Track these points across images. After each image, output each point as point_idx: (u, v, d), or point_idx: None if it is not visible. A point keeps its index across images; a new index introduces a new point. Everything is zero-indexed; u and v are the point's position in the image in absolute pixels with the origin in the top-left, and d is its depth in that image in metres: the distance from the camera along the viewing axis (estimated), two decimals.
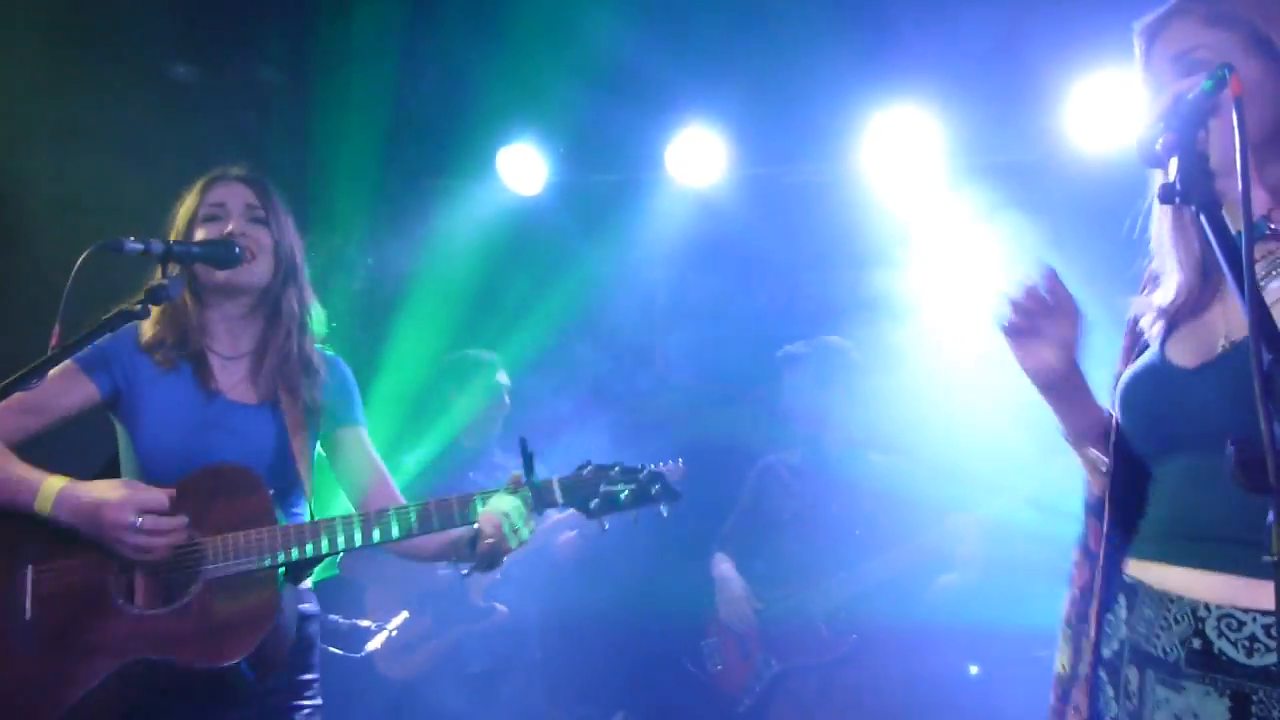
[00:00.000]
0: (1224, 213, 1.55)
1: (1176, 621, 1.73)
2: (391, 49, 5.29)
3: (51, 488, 2.58)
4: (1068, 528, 2.10)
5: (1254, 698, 1.64)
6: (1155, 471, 1.87)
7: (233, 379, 2.83)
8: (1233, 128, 1.48)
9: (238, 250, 2.74)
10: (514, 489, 2.72)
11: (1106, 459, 1.92)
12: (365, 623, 4.69)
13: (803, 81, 5.02)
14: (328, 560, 2.70)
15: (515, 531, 2.65)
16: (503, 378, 5.15)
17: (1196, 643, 1.69)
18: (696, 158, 5.51)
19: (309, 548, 2.61)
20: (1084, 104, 4.77)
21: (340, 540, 2.64)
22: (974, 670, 4.76)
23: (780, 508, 4.79)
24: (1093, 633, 1.87)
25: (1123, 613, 1.84)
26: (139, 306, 2.54)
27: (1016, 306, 1.89)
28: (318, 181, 5.28)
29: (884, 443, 4.66)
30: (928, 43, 4.79)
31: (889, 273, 5.03)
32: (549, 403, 5.49)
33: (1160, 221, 1.93)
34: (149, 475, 2.69)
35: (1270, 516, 1.23)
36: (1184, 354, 1.84)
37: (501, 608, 4.83)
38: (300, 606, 2.78)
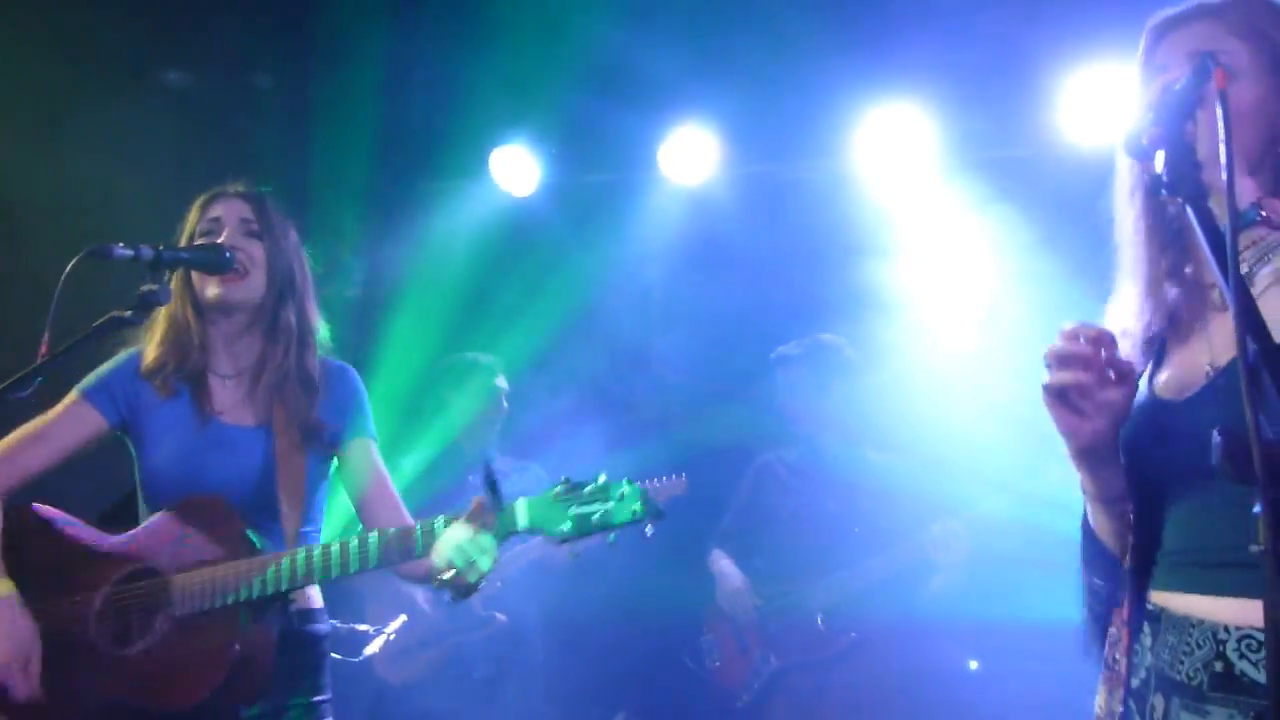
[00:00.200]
0: (1212, 205, 1.55)
1: (1199, 646, 1.71)
2: (383, 52, 5.29)
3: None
4: (1068, 523, 2.07)
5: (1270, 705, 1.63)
6: (1159, 503, 1.84)
7: (231, 400, 2.82)
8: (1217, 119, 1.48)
9: (228, 255, 2.74)
10: (475, 516, 2.50)
11: (1122, 508, 1.88)
12: (363, 627, 4.68)
13: (795, 79, 5.02)
14: None
15: (472, 564, 2.45)
16: (501, 381, 5.15)
17: (1219, 666, 1.67)
18: (690, 156, 5.50)
19: (267, 584, 2.52)
20: (1078, 98, 4.76)
21: (300, 575, 2.52)
22: (974, 665, 4.76)
23: (777, 505, 4.79)
24: (1123, 666, 1.84)
25: (1148, 641, 1.82)
26: (129, 313, 2.54)
27: (1074, 375, 1.72)
28: (311, 186, 5.28)
29: (880, 440, 4.66)
30: (920, 39, 4.78)
31: (884, 270, 5.03)
32: (544, 403, 5.49)
33: (1133, 231, 1.90)
34: (152, 503, 2.74)
35: (1256, 507, 1.22)
36: (1170, 387, 1.83)
37: (501, 616, 4.82)
38: (311, 627, 2.76)
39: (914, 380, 4.68)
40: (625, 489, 2.46)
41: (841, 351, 4.76)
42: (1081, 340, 1.72)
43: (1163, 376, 1.87)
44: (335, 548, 2.53)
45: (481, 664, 4.80)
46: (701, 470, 5.00)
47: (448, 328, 5.59)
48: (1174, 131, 1.60)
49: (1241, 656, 1.66)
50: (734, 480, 5.04)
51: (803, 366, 4.78)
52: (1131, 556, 1.88)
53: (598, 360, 5.87)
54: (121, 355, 2.87)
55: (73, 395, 2.81)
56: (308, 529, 2.79)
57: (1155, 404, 1.83)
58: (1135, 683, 1.83)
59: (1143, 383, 1.88)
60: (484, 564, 2.45)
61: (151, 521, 2.69)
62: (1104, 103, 4.63)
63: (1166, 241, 1.88)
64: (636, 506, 2.45)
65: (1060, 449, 1.86)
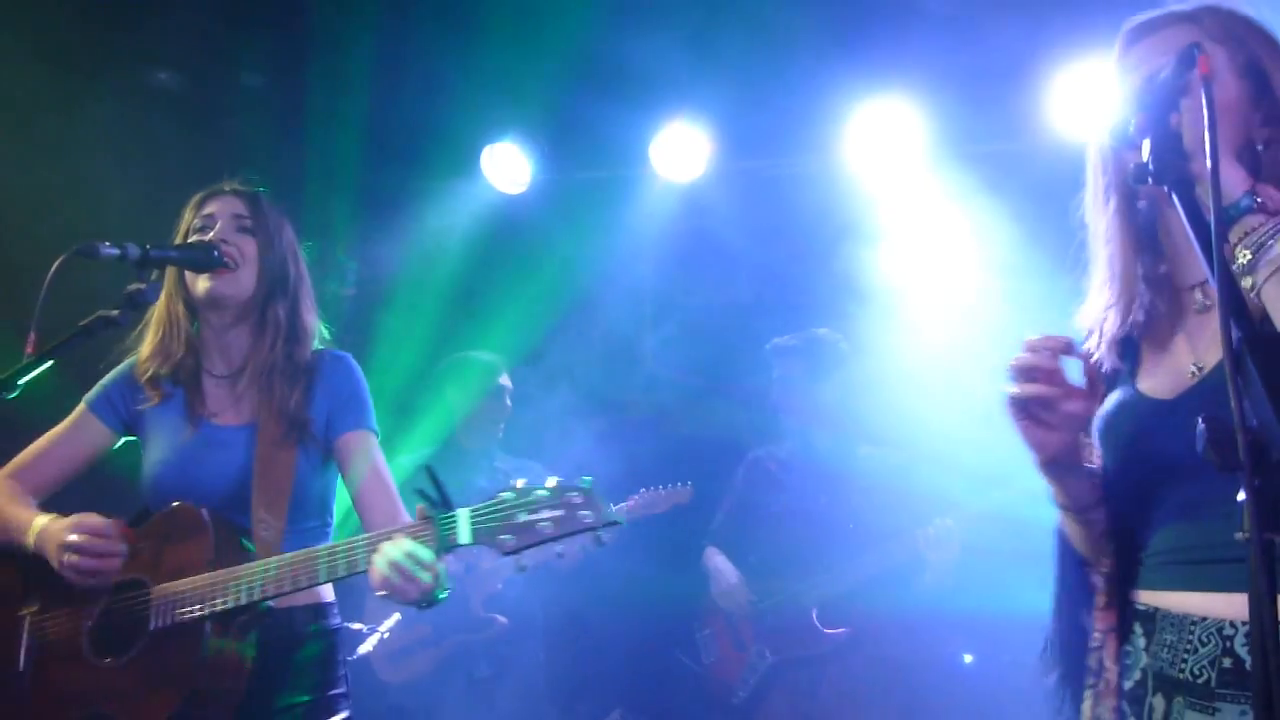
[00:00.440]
0: (1199, 194, 1.55)
1: (1202, 643, 1.70)
2: (374, 50, 5.28)
3: (35, 526, 2.66)
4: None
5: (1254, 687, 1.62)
6: (1148, 503, 1.83)
7: (224, 400, 2.82)
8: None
9: (215, 253, 2.74)
10: (418, 528, 2.40)
11: (1092, 516, 1.87)
12: (357, 625, 4.68)
13: (785, 75, 5.02)
14: None
15: (412, 580, 2.33)
16: (505, 379, 5.15)
17: (1227, 662, 1.66)
18: (681, 153, 5.50)
19: (229, 598, 2.48)
20: (1068, 93, 4.76)
21: (258, 588, 2.47)
22: (968, 659, 4.76)
23: (770, 501, 4.80)
24: (1111, 675, 1.82)
25: (1141, 642, 1.80)
26: (116, 312, 2.54)
27: (1036, 387, 1.74)
28: (303, 184, 5.26)
29: (873, 435, 4.66)
30: (910, 34, 4.78)
31: (875, 264, 5.03)
32: (535, 400, 5.48)
33: (1106, 231, 1.88)
34: (153, 508, 2.74)
35: (1242, 494, 1.22)
36: (1157, 386, 1.83)
37: (501, 619, 4.82)
38: (318, 624, 2.73)
39: (905, 375, 4.68)
40: (577, 494, 2.30)
41: (836, 345, 4.77)
42: (1044, 353, 1.73)
43: (1145, 374, 1.86)
44: (289, 560, 2.48)
45: (482, 664, 4.80)
46: (693, 466, 5.01)
47: (440, 325, 5.59)
48: (1159, 120, 1.60)
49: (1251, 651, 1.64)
50: (726, 476, 5.04)
51: (797, 359, 4.78)
52: (1116, 558, 1.87)
53: (589, 356, 5.87)
54: (124, 363, 2.90)
55: (80, 408, 2.87)
56: (307, 526, 2.76)
57: (1144, 403, 1.82)
58: (1128, 685, 1.81)
59: (1124, 383, 1.88)
60: (425, 577, 2.33)
61: (140, 530, 2.70)
62: (1094, 98, 4.63)
63: (1141, 242, 1.87)
64: (589, 514, 2.29)
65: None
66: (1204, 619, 1.71)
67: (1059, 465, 1.83)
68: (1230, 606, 1.67)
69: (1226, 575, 1.68)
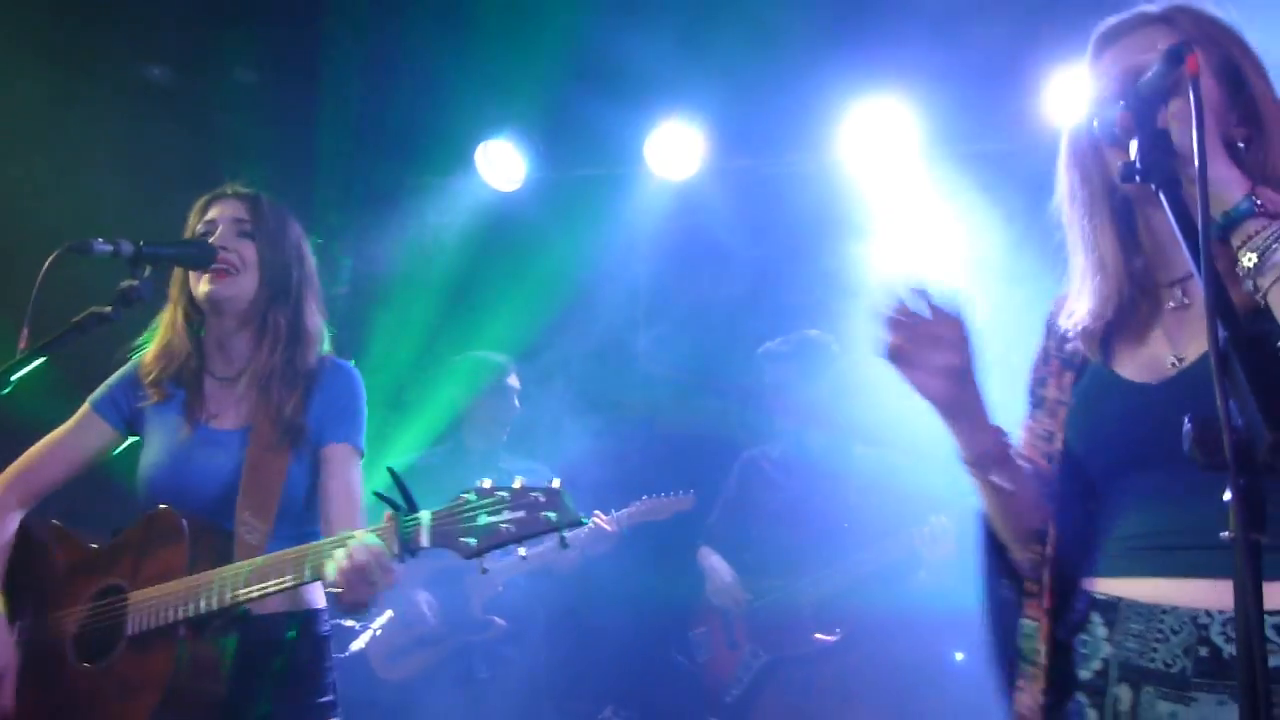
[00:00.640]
0: (1186, 194, 1.55)
1: (1174, 631, 1.68)
2: (367, 47, 5.27)
3: None
4: None
5: (1276, 700, 1.61)
6: (1115, 488, 1.83)
7: (224, 402, 2.82)
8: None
9: (211, 251, 2.74)
10: (381, 529, 2.37)
11: (1009, 485, 1.87)
12: (349, 622, 4.68)
13: (780, 73, 5.02)
14: None
15: (371, 584, 2.31)
16: (513, 380, 5.15)
17: (1204, 651, 1.65)
18: (675, 151, 5.50)
19: (201, 603, 2.46)
20: (1061, 93, 4.76)
21: (229, 592, 2.45)
22: (959, 657, 4.77)
23: (764, 500, 4.80)
24: (1042, 660, 1.81)
25: (1102, 631, 1.78)
26: (109, 309, 2.54)
27: (897, 331, 1.80)
28: (296, 182, 5.26)
29: (867, 434, 4.67)
30: (904, 33, 4.78)
31: (869, 262, 5.03)
32: (529, 397, 5.48)
33: (1087, 223, 1.89)
34: (144, 509, 2.73)
35: (1227, 494, 1.22)
36: (1139, 370, 1.83)
37: (500, 621, 4.83)
38: (305, 630, 2.71)
39: (899, 374, 4.68)
40: (541, 494, 2.26)
41: (828, 346, 4.77)
42: (902, 305, 1.78)
43: (1123, 360, 1.86)
44: (260, 563, 2.46)
45: (481, 665, 4.80)
46: (686, 464, 5.01)
47: (434, 322, 5.59)
48: (1146, 119, 1.60)
49: (1229, 640, 1.63)
50: (719, 475, 5.04)
51: (790, 362, 4.79)
52: (1068, 546, 1.87)
53: (583, 354, 5.87)
54: (129, 363, 2.91)
55: (84, 408, 2.88)
56: (295, 531, 2.72)
57: (1125, 385, 1.82)
58: (1085, 675, 1.79)
59: (1095, 363, 1.88)
60: (382, 583, 2.32)
61: (122, 535, 2.71)
62: (1089, 97, 4.62)
63: (1119, 237, 1.87)
64: (551, 514, 2.24)
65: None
66: (1175, 607, 1.69)
67: (952, 414, 1.85)
68: (1204, 594, 1.67)
69: (1201, 562, 1.68)
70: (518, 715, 4.77)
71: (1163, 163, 1.57)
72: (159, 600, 2.51)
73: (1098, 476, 1.86)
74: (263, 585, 2.42)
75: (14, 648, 2.65)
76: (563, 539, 2.27)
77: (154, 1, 4.94)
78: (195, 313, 2.85)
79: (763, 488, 4.83)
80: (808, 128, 5.32)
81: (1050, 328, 2.02)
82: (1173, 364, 1.79)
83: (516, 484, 2.28)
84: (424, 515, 2.31)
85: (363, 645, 4.69)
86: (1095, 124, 1.78)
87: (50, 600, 2.72)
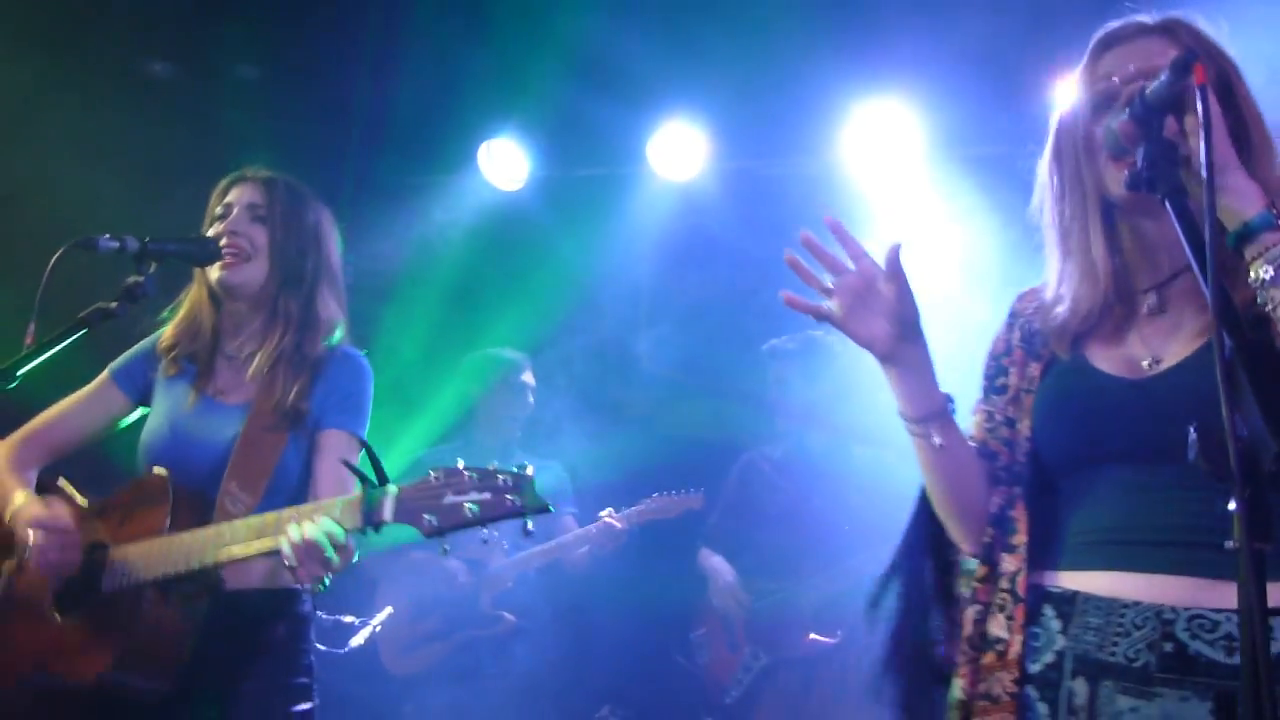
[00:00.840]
0: (1192, 204, 1.55)
1: (1136, 626, 1.68)
2: (371, 44, 5.28)
3: (15, 502, 2.71)
4: None
5: (1241, 697, 1.62)
6: (1081, 479, 1.83)
7: (232, 380, 2.84)
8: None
9: (215, 247, 2.77)
10: (347, 500, 2.38)
11: (941, 439, 1.87)
12: (349, 618, 4.69)
13: (783, 75, 5.02)
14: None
15: (324, 562, 2.32)
16: (528, 377, 5.16)
17: (1169, 646, 1.65)
18: (678, 152, 5.51)
19: (171, 567, 2.48)
20: (1067, 97, 4.76)
21: (195, 557, 2.46)
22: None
23: (765, 502, 4.81)
24: (1014, 651, 1.79)
25: (1055, 624, 1.78)
26: (114, 305, 2.57)
27: (833, 291, 1.85)
28: (297, 178, 5.24)
29: (868, 436, 4.67)
30: (907, 35, 4.79)
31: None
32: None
33: (1075, 224, 1.89)
34: (140, 472, 2.77)
35: (1232, 503, 1.23)
36: (1114, 366, 1.83)
37: (509, 617, 4.84)
38: (282, 608, 2.71)
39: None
40: (508, 477, 2.25)
41: (832, 347, 4.78)
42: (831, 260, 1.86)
43: (1099, 355, 1.86)
44: (225, 530, 2.47)
45: (488, 661, 4.81)
46: (687, 465, 5.00)
47: (436, 320, 5.59)
48: (1153, 128, 1.60)
49: (1194, 637, 1.64)
50: (720, 476, 5.05)
51: (794, 361, 4.80)
52: (1031, 532, 1.86)
53: (584, 354, 5.88)
54: (151, 336, 2.95)
55: (103, 375, 2.92)
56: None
57: (1102, 378, 1.83)
58: (1036, 668, 1.78)
59: (1067, 355, 1.89)
60: (334, 561, 2.32)
61: (114, 495, 2.75)
62: (1084, 99, 4.62)
63: (1103, 236, 1.86)
64: (515, 497, 2.23)
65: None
66: (1138, 602, 1.69)
67: (895, 364, 1.87)
68: (1169, 590, 1.67)
69: (1169, 558, 1.68)
70: (519, 712, 4.78)
71: (1169, 173, 1.57)
72: (132, 560, 2.54)
73: (1061, 466, 1.86)
74: (229, 551, 2.44)
75: None
76: (526, 526, 2.26)
77: None
78: (214, 295, 2.88)
79: (763, 489, 4.83)
80: (811, 129, 5.32)
81: (1014, 319, 2.03)
82: (1148, 365, 1.79)
83: (492, 466, 2.27)
84: (390, 489, 2.31)
85: (362, 641, 4.70)
86: (1100, 132, 1.80)
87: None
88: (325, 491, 2.64)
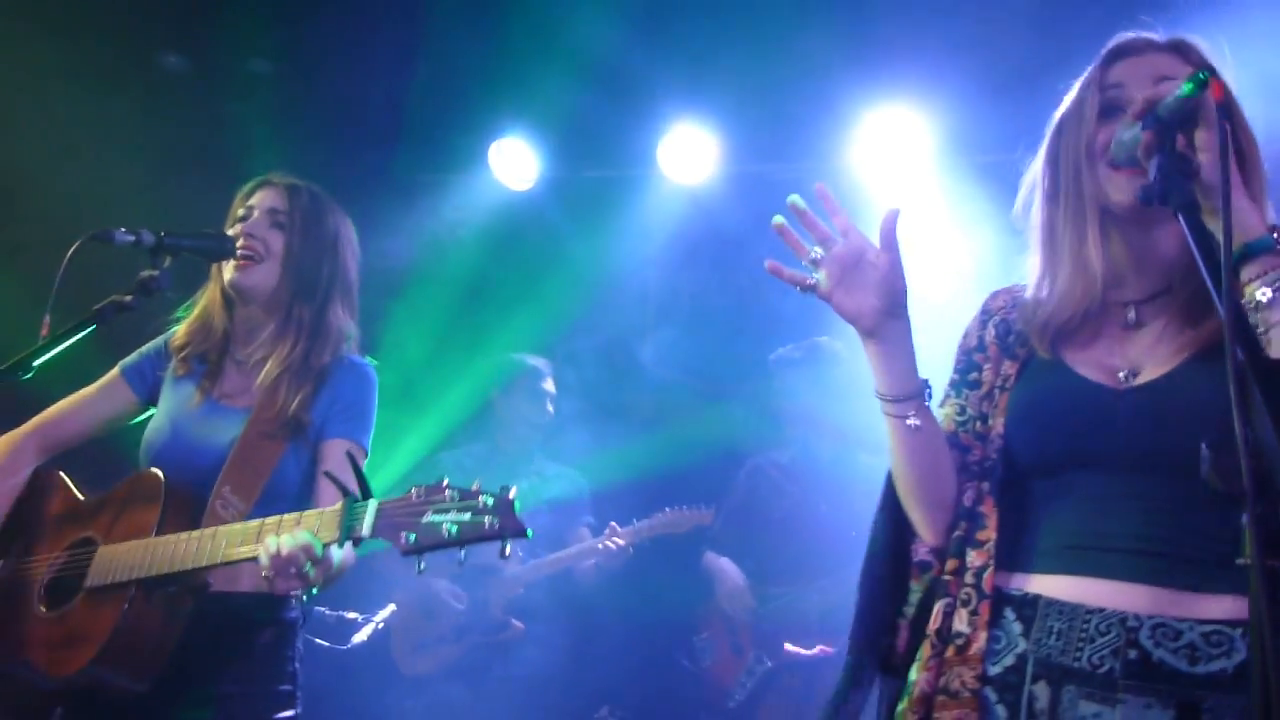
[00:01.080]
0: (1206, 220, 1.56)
1: (1101, 633, 1.70)
2: (383, 42, 5.28)
3: None
4: None
5: (1204, 706, 1.63)
6: (1050, 483, 1.83)
7: (239, 384, 2.85)
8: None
9: (231, 245, 2.77)
10: (327, 512, 2.38)
11: (918, 421, 1.88)
12: (352, 615, 4.70)
13: (794, 79, 5.02)
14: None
15: (300, 576, 2.32)
16: (549, 385, 5.17)
17: (1133, 653, 1.66)
18: (688, 155, 5.51)
19: (154, 568, 2.48)
20: (1068, 100, 4.76)
21: (179, 559, 2.46)
22: None
23: (771, 507, 4.82)
24: (976, 647, 1.79)
25: (1016, 627, 1.79)
26: (129, 298, 2.58)
27: (822, 263, 1.85)
28: (308, 176, 5.25)
29: (875, 443, 4.66)
30: (919, 42, 4.79)
31: None
32: None
33: (1070, 228, 1.89)
34: (140, 469, 2.77)
35: (1244, 518, 1.24)
36: (1095, 372, 1.84)
37: (518, 624, 4.86)
38: (268, 614, 2.70)
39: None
40: (490, 499, 2.22)
41: (838, 354, 4.78)
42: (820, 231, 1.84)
43: (1079, 361, 1.87)
44: (208, 534, 2.47)
45: (498, 664, 4.83)
46: (693, 469, 5.00)
47: (444, 319, 5.59)
48: (1166, 141, 1.60)
49: (1158, 645, 1.66)
50: (726, 480, 5.05)
51: (802, 370, 4.81)
52: (1002, 533, 1.86)
53: (592, 357, 5.88)
54: (163, 334, 2.96)
55: (114, 371, 2.94)
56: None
57: (1083, 384, 1.83)
58: (995, 670, 1.79)
59: (1046, 357, 1.89)
60: (310, 574, 2.32)
61: (109, 491, 2.75)
62: (1092, 107, 4.62)
63: (1098, 240, 1.87)
64: (495, 522, 2.20)
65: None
66: (1102, 609, 1.71)
67: (879, 339, 1.86)
68: (1134, 598, 1.69)
69: (1135, 566, 1.70)
70: (520, 711, 4.79)
71: (1183, 186, 1.57)
72: (119, 558, 2.54)
73: (1033, 467, 1.86)
74: (212, 556, 2.44)
75: None
76: (503, 550, 2.22)
77: None
78: (227, 297, 2.89)
79: (770, 494, 4.84)
80: (822, 135, 5.33)
81: (987, 316, 2.05)
82: (1125, 376, 1.81)
83: (474, 486, 2.25)
84: (371, 504, 2.29)
85: (365, 638, 4.71)
86: (1102, 138, 1.82)
87: (34, 544, 2.76)
88: (327, 502, 2.60)
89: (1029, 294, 1.96)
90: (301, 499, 2.76)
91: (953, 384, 2.05)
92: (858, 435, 4.66)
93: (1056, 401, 1.85)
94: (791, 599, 4.67)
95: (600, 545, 4.79)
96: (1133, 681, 1.66)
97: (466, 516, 2.21)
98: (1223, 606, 1.66)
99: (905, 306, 1.86)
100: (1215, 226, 1.51)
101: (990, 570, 1.82)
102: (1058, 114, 1.99)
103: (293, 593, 2.54)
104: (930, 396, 1.92)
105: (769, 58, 4.98)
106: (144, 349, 2.96)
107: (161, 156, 4.70)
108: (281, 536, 2.31)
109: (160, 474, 2.64)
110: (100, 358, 2.95)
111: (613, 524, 4.82)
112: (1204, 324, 1.77)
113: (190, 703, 2.59)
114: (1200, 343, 1.77)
